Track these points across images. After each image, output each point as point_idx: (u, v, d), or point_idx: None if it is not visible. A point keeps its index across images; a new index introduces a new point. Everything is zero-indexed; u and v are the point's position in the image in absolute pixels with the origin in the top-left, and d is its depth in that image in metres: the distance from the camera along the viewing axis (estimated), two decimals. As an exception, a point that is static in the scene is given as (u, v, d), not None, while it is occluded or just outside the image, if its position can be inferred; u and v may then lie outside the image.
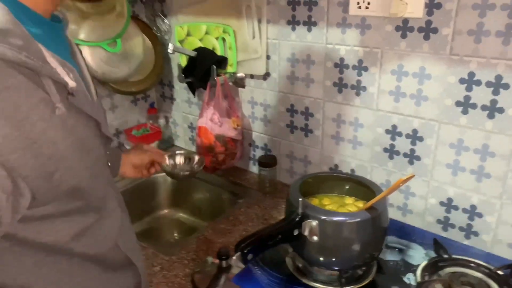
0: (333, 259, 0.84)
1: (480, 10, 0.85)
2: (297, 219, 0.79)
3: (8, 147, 0.44)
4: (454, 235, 1.05)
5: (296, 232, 0.80)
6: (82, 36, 1.27)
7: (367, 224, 0.80)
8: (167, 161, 1.13)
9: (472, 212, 1.01)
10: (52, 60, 0.50)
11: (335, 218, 0.80)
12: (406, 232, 1.06)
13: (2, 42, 0.43)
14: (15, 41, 0.44)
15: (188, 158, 1.18)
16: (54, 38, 0.55)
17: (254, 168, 1.44)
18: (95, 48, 1.31)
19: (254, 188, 1.37)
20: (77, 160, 0.53)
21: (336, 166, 1.23)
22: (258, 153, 1.43)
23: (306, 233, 0.80)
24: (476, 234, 1.02)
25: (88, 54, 1.30)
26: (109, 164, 0.95)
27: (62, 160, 0.51)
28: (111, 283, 0.66)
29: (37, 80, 0.47)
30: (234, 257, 0.76)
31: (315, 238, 0.79)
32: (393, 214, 1.14)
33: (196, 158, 1.18)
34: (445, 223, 1.06)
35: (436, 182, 1.04)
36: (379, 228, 0.83)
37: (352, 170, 1.19)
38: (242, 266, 0.77)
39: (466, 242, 1.03)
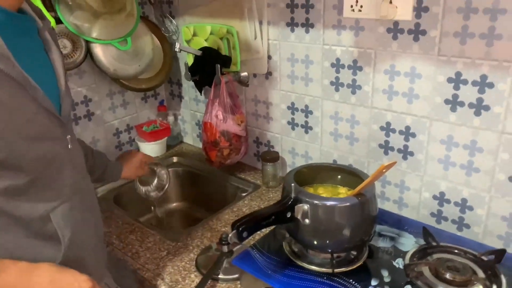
0: (324, 242, 0.90)
1: (464, 13, 0.90)
2: (290, 202, 0.87)
3: None
4: (447, 227, 1.10)
5: (289, 215, 0.87)
6: (94, 34, 1.35)
7: (356, 209, 0.87)
8: (139, 185, 1.30)
9: (463, 205, 1.05)
10: None
11: (325, 202, 0.87)
12: (398, 222, 1.12)
13: None
14: None
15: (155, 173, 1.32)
16: (13, 28, 0.66)
17: (258, 164, 1.50)
18: (107, 46, 1.39)
19: (258, 182, 1.43)
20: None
21: (335, 161, 1.28)
22: (262, 149, 1.49)
23: (298, 216, 0.87)
24: (467, 226, 1.06)
25: (100, 51, 1.39)
26: (109, 170, 1.11)
27: None
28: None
29: None
30: (230, 234, 0.83)
31: (307, 221, 0.86)
32: (390, 207, 1.20)
33: (162, 172, 1.32)
34: (439, 216, 1.11)
35: (429, 176, 1.09)
36: (368, 214, 0.90)
37: (350, 165, 1.25)
38: (238, 242, 0.85)
39: (459, 234, 1.08)
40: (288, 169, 1.43)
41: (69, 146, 0.78)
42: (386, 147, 1.14)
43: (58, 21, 1.28)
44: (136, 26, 1.42)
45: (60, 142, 0.76)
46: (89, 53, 1.39)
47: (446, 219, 1.09)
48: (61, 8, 1.28)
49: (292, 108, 1.33)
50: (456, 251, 0.94)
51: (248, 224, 0.84)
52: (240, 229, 0.83)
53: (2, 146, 0.64)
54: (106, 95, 1.55)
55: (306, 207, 0.86)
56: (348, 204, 0.86)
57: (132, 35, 1.42)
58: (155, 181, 1.31)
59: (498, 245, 1.02)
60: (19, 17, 0.70)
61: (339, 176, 1.02)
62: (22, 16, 0.71)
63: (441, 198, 1.08)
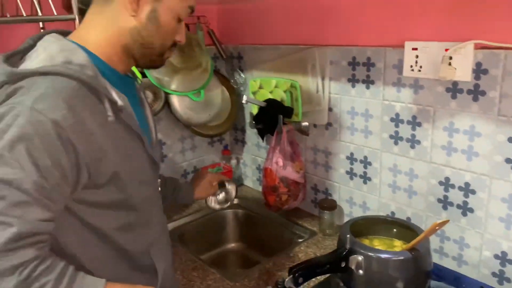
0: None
1: (525, 76, 0.93)
2: (345, 253, 0.91)
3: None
4: (510, 289, 1.06)
5: (343, 265, 0.91)
6: (173, 87, 1.52)
7: (409, 263, 0.89)
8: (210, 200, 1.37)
9: (527, 267, 1.02)
10: (110, 89, 0.74)
11: (379, 255, 0.90)
12: (457, 280, 1.10)
13: (81, 71, 0.70)
14: (88, 72, 0.71)
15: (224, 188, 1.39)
16: (123, 87, 0.79)
17: (315, 211, 1.55)
18: (183, 97, 1.56)
19: (314, 229, 1.47)
20: (118, 157, 0.75)
21: (393, 213, 1.30)
22: (320, 196, 1.54)
23: (353, 266, 0.91)
24: (532, 290, 1.03)
25: (176, 101, 1.56)
26: (183, 192, 1.21)
27: (106, 152, 0.73)
28: (131, 279, 0.83)
29: (100, 98, 0.72)
30: (287, 279, 0.89)
31: (361, 272, 0.89)
32: (448, 263, 1.18)
33: (229, 187, 1.39)
34: (501, 277, 1.08)
35: (490, 234, 1.08)
36: (421, 268, 0.91)
37: (408, 218, 1.26)
38: (294, 287, 0.89)
39: (522, 297, 1.04)
40: (346, 218, 1.46)
41: (159, 188, 0.92)
42: (444, 202, 1.15)
43: (144, 75, 1.47)
44: (210, 80, 1.58)
45: (155, 186, 0.90)
46: (167, 103, 1.56)
47: (508, 280, 1.06)
48: (147, 64, 1.48)
49: (351, 158, 1.38)
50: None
51: (304, 271, 0.89)
52: (297, 274, 0.88)
53: (123, 187, 0.77)
54: (178, 140, 1.71)
55: (360, 258, 0.90)
56: (402, 258, 0.88)
57: (205, 87, 1.58)
58: (222, 194, 1.38)
59: None
60: (126, 78, 0.85)
61: (394, 230, 1.05)
62: (128, 77, 0.86)
63: (503, 258, 1.06)
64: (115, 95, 0.74)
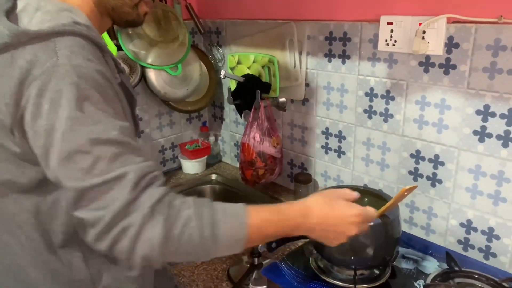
0: (348, 258, 0.96)
1: (493, 50, 0.96)
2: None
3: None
4: (474, 255, 1.12)
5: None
6: (149, 60, 1.50)
7: (379, 229, 0.92)
8: None
9: (490, 234, 1.07)
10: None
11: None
12: (424, 247, 1.15)
13: (89, 31, 0.68)
14: (93, 33, 0.70)
15: None
16: None
17: (291, 185, 1.58)
18: (159, 71, 1.54)
19: (290, 202, 1.50)
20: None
21: (366, 185, 1.34)
22: (296, 171, 1.57)
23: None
24: (494, 255, 1.08)
25: (153, 76, 1.54)
26: None
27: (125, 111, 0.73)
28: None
29: (106, 58, 0.71)
30: (260, 245, 0.91)
31: (333, 238, 0.92)
32: (417, 232, 1.23)
33: None
34: (466, 244, 1.13)
35: (457, 204, 1.12)
36: (391, 235, 0.95)
37: (380, 190, 1.29)
38: (268, 252, 0.92)
39: (485, 262, 1.10)
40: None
41: None
42: (415, 174, 1.19)
43: (119, 48, 1.45)
44: (187, 54, 1.57)
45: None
46: (143, 77, 1.54)
47: (473, 247, 1.12)
48: (123, 37, 1.45)
49: (327, 133, 1.41)
50: (477, 276, 0.97)
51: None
52: None
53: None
54: (155, 115, 1.70)
55: None
56: (372, 224, 0.91)
57: (183, 62, 1.57)
58: None
59: (526, 276, 1.03)
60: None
61: (366, 199, 1.08)
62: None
63: (468, 226, 1.11)
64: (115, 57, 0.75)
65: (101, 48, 0.71)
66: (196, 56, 1.64)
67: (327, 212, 0.76)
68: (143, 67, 1.52)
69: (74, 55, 0.63)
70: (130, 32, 1.46)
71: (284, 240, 0.92)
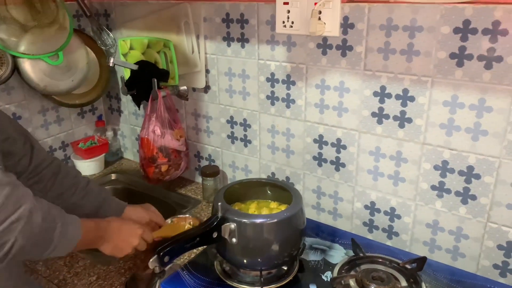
0: (253, 260, 0.90)
1: (386, 30, 0.95)
2: (216, 222, 0.85)
3: None
4: (378, 236, 1.13)
5: (215, 235, 0.85)
6: (22, 48, 1.29)
7: (282, 225, 0.86)
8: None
9: (392, 214, 1.09)
10: None
11: (251, 220, 0.86)
12: (332, 234, 1.13)
13: None
14: None
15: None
16: None
17: (200, 178, 1.48)
18: (36, 61, 1.32)
19: (199, 197, 1.41)
20: None
21: (273, 174, 1.29)
22: (203, 163, 1.48)
23: (226, 235, 0.86)
24: (396, 234, 1.10)
25: (28, 66, 1.32)
26: (111, 213, 1.06)
27: None
28: None
29: None
30: (151, 259, 0.81)
31: (234, 240, 0.85)
32: (325, 218, 1.22)
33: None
34: (370, 225, 1.14)
35: (360, 187, 1.12)
36: (294, 228, 0.90)
37: (287, 178, 1.26)
38: (161, 267, 0.83)
39: (389, 242, 1.12)
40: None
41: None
42: (320, 159, 1.17)
43: (-19, 35, 1.21)
44: (69, 39, 1.37)
45: None
46: (16, 69, 1.31)
47: (377, 228, 1.13)
48: (-16, 21, 1.21)
49: (232, 121, 1.33)
50: (381, 260, 0.97)
51: (170, 248, 0.82)
52: (162, 253, 0.81)
53: None
54: (37, 112, 1.48)
55: (233, 226, 0.85)
56: (275, 220, 0.86)
57: (65, 49, 1.37)
58: None
59: (424, 251, 1.06)
60: None
61: (269, 192, 1.03)
62: None
63: (372, 208, 1.12)
64: None
65: None
66: (81, 42, 1.44)
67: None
68: (15, 57, 1.29)
69: None
70: (-6, 16, 1.23)
71: (180, 250, 0.83)
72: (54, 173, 1.00)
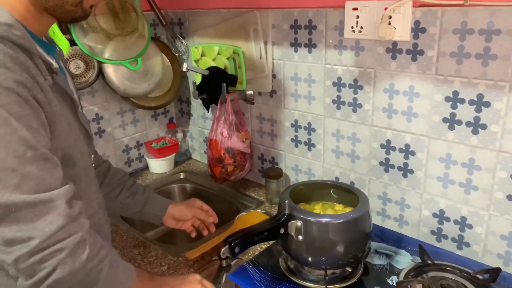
0: (317, 258, 0.91)
1: (460, 34, 0.92)
2: (283, 219, 0.88)
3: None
4: (447, 245, 1.09)
5: (282, 231, 0.88)
6: (106, 55, 1.41)
7: (348, 226, 0.87)
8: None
9: (463, 223, 1.05)
10: (41, 50, 0.68)
11: (317, 219, 0.88)
12: (398, 240, 1.11)
13: (8, 31, 0.61)
14: (16, 32, 0.63)
15: None
16: (45, 51, 0.72)
17: (263, 180, 1.52)
18: (118, 66, 1.45)
19: (262, 198, 1.45)
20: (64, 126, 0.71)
21: (337, 178, 1.30)
22: (266, 165, 1.52)
23: (292, 232, 0.88)
24: (467, 245, 1.06)
25: (111, 71, 1.45)
26: (155, 211, 1.12)
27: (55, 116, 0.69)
28: None
29: (33, 59, 0.65)
30: (223, 249, 0.85)
31: (300, 237, 0.87)
32: (391, 225, 1.20)
33: None
34: (439, 234, 1.11)
35: (428, 194, 1.09)
36: (361, 231, 0.91)
37: (352, 183, 1.26)
38: (231, 257, 0.87)
39: (459, 252, 1.08)
40: (292, 186, 1.44)
41: (93, 165, 0.85)
42: (386, 165, 1.16)
43: (73, 43, 1.35)
44: (147, 47, 1.48)
45: (88, 158, 0.83)
46: (101, 73, 1.45)
47: (446, 237, 1.09)
48: (76, 31, 1.35)
49: (296, 125, 1.36)
50: (450, 269, 0.94)
51: (240, 239, 0.86)
52: (232, 244, 0.85)
53: (68, 156, 0.72)
54: (116, 113, 1.61)
55: (299, 223, 0.88)
56: (341, 220, 0.87)
57: (143, 55, 1.48)
58: None
59: (498, 264, 1.01)
60: (44, 42, 0.74)
61: (335, 194, 1.04)
62: (46, 42, 0.75)
63: (440, 216, 1.09)
64: (47, 56, 0.69)
65: (26, 50, 0.63)
66: (157, 49, 1.55)
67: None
68: (100, 63, 1.43)
69: None
70: (84, 26, 1.36)
71: (249, 242, 0.87)
72: (103, 174, 1.06)
